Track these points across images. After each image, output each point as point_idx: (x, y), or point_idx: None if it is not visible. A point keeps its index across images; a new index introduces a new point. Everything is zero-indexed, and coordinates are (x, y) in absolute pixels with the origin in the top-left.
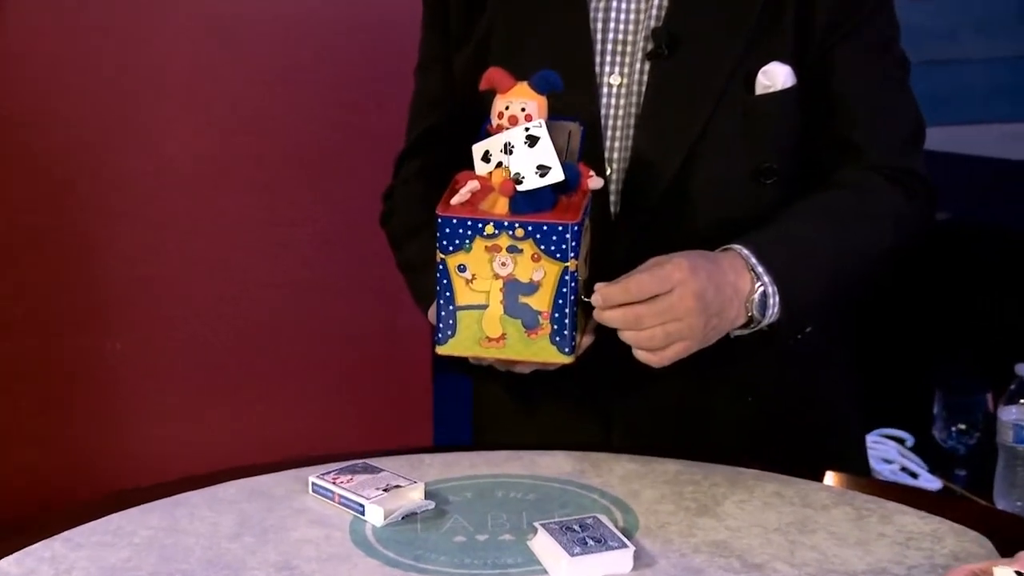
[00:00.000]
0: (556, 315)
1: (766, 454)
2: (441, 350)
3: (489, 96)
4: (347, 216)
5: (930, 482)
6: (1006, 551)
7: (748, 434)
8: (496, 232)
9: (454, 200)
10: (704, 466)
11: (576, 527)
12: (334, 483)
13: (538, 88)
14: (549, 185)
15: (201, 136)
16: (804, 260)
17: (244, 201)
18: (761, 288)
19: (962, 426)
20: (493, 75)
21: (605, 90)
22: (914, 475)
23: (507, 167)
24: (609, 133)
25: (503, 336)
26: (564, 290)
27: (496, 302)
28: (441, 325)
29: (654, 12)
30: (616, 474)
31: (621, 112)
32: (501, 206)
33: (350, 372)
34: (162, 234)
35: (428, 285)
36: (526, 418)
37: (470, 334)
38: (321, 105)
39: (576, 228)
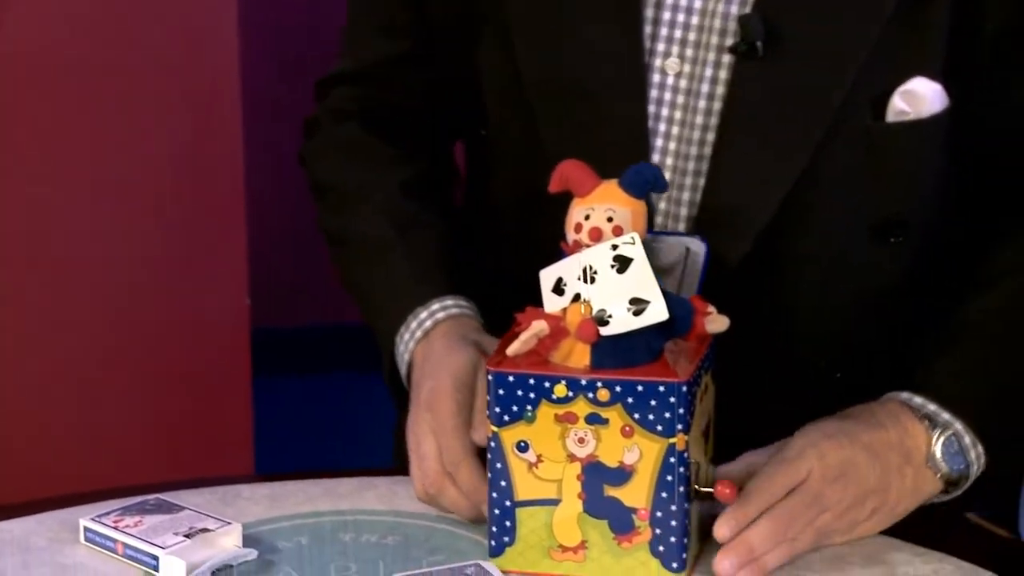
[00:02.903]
0: (658, 514)
1: None
2: (496, 564)
3: (500, 64)
4: (119, 166)
5: None
6: None
7: None
8: (570, 395)
9: (512, 348)
10: None
11: None
12: (116, 527)
13: (632, 189)
14: (648, 328)
15: None
16: (1003, 383)
17: None
18: (944, 435)
19: None
20: (568, 172)
21: (656, 78)
22: None
23: (587, 301)
24: (659, 143)
25: (583, 544)
26: (670, 478)
27: (572, 495)
28: (495, 528)
29: None
30: None
31: (679, 116)
32: (579, 357)
33: (136, 372)
34: None
35: (367, 269)
36: None
37: (536, 540)
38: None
39: (685, 388)
